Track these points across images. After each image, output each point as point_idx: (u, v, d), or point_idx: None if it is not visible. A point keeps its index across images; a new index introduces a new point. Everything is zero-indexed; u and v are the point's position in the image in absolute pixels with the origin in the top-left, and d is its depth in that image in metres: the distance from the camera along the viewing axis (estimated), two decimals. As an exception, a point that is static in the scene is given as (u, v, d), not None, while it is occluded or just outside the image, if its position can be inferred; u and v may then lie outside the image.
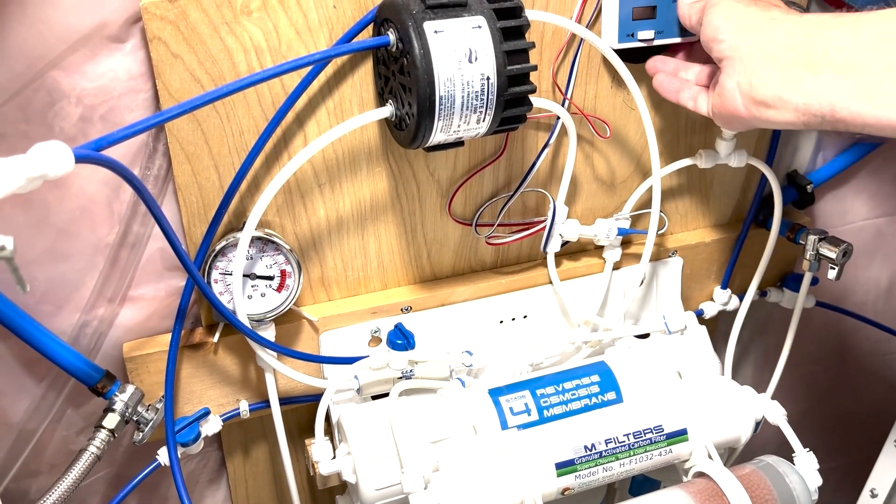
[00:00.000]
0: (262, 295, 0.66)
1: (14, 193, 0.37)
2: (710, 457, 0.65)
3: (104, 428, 0.64)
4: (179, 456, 0.67)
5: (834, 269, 0.80)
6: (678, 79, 0.67)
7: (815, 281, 0.86)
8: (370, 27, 0.60)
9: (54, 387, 0.68)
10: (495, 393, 0.68)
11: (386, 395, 0.71)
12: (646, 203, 0.80)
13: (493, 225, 0.75)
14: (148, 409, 0.67)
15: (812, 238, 0.81)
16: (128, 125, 0.45)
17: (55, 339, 0.63)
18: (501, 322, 0.79)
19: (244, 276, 0.65)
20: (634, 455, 0.63)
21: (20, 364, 0.66)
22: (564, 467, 0.61)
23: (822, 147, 0.89)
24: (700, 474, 0.65)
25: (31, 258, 0.62)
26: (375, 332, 0.74)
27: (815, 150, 0.89)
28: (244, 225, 0.63)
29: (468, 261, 0.78)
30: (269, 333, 0.68)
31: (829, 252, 0.80)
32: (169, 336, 0.68)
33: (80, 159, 0.41)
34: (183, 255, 0.57)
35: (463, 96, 0.54)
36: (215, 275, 0.64)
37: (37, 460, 0.71)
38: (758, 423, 0.69)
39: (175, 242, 0.56)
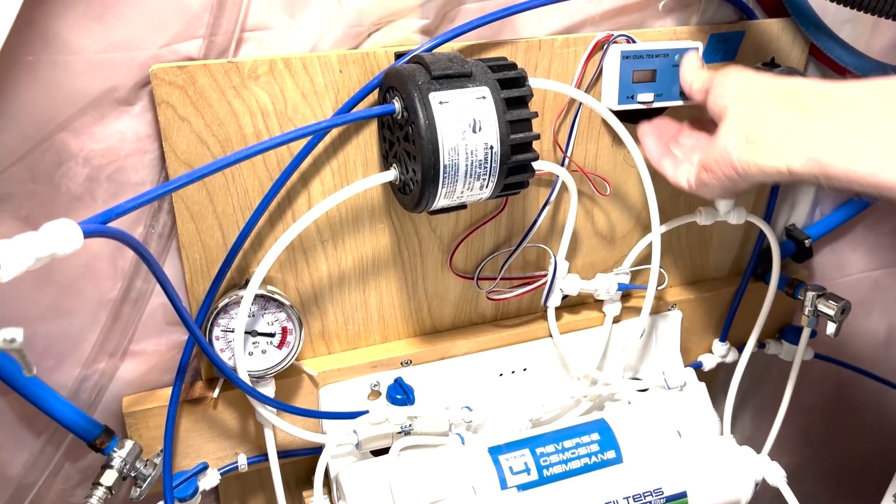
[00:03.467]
0: (263, 352, 0.66)
1: (23, 272, 0.38)
2: (709, 520, 0.65)
3: (102, 485, 0.64)
4: (177, 512, 0.67)
5: (833, 324, 0.80)
6: (664, 146, 0.68)
7: (813, 334, 0.86)
8: (375, 92, 0.61)
9: (53, 441, 0.68)
10: (495, 451, 0.68)
11: (385, 450, 0.70)
12: (646, 258, 0.80)
13: (494, 279, 0.75)
14: (146, 465, 0.67)
15: (811, 294, 0.82)
16: (135, 196, 0.46)
17: (55, 395, 0.63)
18: (501, 375, 0.79)
19: (245, 332, 0.65)
20: (634, 518, 0.63)
21: (19, 418, 0.66)
22: (564, 531, 0.61)
23: (820, 202, 0.90)
24: (700, 538, 0.65)
25: (34, 315, 0.62)
26: (375, 385, 0.74)
27: (812, 204, 0.90)
28: (247, 282, 0.63)
29: (468, 314, 0.78)
30: (268, 390, 0.68)
31: (828, 309, 0.80)
32: (169, 390, 0.68)
33: (88, 234, 0.41)
34: (185, 315, 0.58)
35: (467, 164, 0.55)
36: (217, 332, 0.65)
37: (33, 513, 0.70)
38: (757, 484, 0.69)
39: (177, 303, 0.56)
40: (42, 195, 0.58)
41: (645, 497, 0.63)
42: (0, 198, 0.57)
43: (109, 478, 0.64)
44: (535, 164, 0.59)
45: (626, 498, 0.63)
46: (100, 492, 0.63)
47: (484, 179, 0.56)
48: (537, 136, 0.57)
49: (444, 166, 0.54)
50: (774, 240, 0.80)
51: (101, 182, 0.60)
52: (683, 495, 0.65)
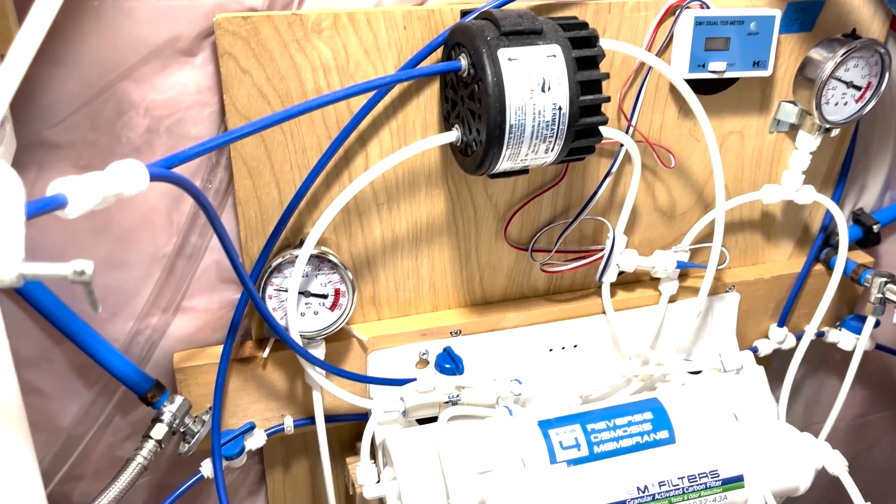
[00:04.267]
0: (315, 313, 0.66)
1: (90, 211, 0.37)
2: (766, 506, 0.62)
3: (152, 438, 0.64)
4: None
5: (900, 313, 0.77)
6: None
7: (876, 324, 0.83)
8: (439, 50, 0.60)
9: (104, 393, 0.68)
10: (545, 425, 0.67)
11: (430, 419, 0.69)
12: (705, 236, 0.78)
13: (549, 251, 0.73)
14: (195, 421, 0.67)
15: (879, 281, 0.78)
16: (200, 143, 0.45)
17: (109, 348, 0.63)
18: (551, 350, 0.77)
19: (298, 293, 0.64)
20: (688, 499, 0.61)
21: (72, 369, 0.67)
22: (616, 508, 0.59)
23: (891, 185, 0.86)
24: (755, 524, 0.62)
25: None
26: (424, 354, 0.73)
27: (883, 188, 0.86)
28: (301, 242, 0.62)
29: (520, 286, 0.76)
30: (319, 351, 0.67)
31: (896, 296, 0.77)
32: (219, 348, 0.68)
33: (154, 177, 0.41)
34: (241, 271, 0.57)
35: (533, 125, 0.53)
36: (270, 290, 0.64)
37: (82, 465, 0.71)
38: (816, 472, 0.66)
39: (234, 258, 0.55)
40: (102, 145, 0.58)
41: (700, 478, 0.62)
42: (61, 145, 0.57)
43: (159, 431, 0.64)
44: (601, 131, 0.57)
45: (681, 478, 0.61)
46: (150, 444, 0.64)
47: (550, 142, 0.54)
48: (607, 99, 0.55)
49: (511, 126, 0.52)
50: (843, 222, 0.77)
51: (160, 134, 0.59)
52: (740, 479, 0.63)
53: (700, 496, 0.61)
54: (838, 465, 0.67)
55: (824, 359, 0.97)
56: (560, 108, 0.53)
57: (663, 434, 0.68)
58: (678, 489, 0.61)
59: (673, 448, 0.66)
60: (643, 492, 0.60)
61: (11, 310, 0.62)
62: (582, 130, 0.55)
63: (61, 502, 0.72)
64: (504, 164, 0.55)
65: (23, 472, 0.47)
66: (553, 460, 0.65)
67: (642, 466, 0.62)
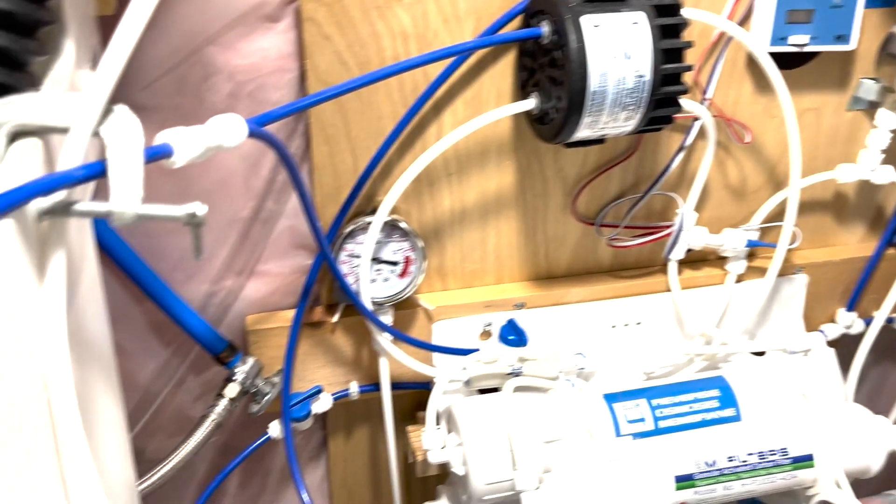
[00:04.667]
0: (385, 280, 0.67)
1: (192, 161, 0.38)
2: (838, 486, 0.62)
3: (225, 397, 0.66)
4: (291, 431, 0.68)
5: (977, 300, 0.75)
6: None
7: (951, 311, 0.81)
8: (517, 19, 0.60)
9: (179, 353, 0.70)
10: (610, 398, 0.67)
11: (490, 390, 0.70)
12: (776, 216, 0.76)
13: (616, 226, 0.73)
14: (265, 383, 0.69)
15: (956, 265, 0.76)
16: (291, 102, 0.46)
17: (187, 307, 0.65)
18: (614, 327, 0.77)
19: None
20: (757, 476, 0.61)
21: (150, 328, 0.69)
22: (684, 481, 0.59)
23: (971, 169, 0.83)
24: (825, 503, 0.62)
25: (170, 227, 0.64)
26: (488, 325, 0.74)
27: (962, 171, 0.83)
28: (374, 210, 0.63)
29: (585, 261, 0.76)
30: (386, 318, 0.68)
31: (975, 282, 0.75)
32: (290, 312, 0.69)
33: (251, 134, 0.42)
34: (319, 233, 0.58)
35: (615, 93, 0.53)
36: (343, 256, 0.65)
37: (155, 422, 0.73)
38: (890, 456, 0.65)
39: (314, 220, 0.57)
40: (187, 108, 0.60)
41: (769, 456, 0.61)
42: (148, 108, 0.59)
43: (233, 390, 0.66)
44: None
45: (750, 454, 0.61)
46: (224, 402, 0.66)
47: (631, 110, 0.54)
48: (690, 68, 0.55)
49: (593, 93, 0.52)
50: (921, 204, 0.75)
51: (241, 98, 0.60)
52: (810, 458, 0.62)
53: (769, 473, 0.61)
54: (912, 449, 0.65)
55: (889, 347, 0.95)
56: (642, 77, 0.53)
57: (730, 412, 0.67)
58: (747, 465, 0.60)
59: (740, 425, 0.65)
60: (711, 466, 0.60)
61: (96, 268, 0.64)
62: (662, 100, 0.55)
63: (136, 456, 0.75)
64: (582, 132, 0.55)
65: (113, 420, 0.49)
66: (618, 433, 0.65)
67: (711, 442, 0.61)
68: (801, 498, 0.65)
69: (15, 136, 0.32)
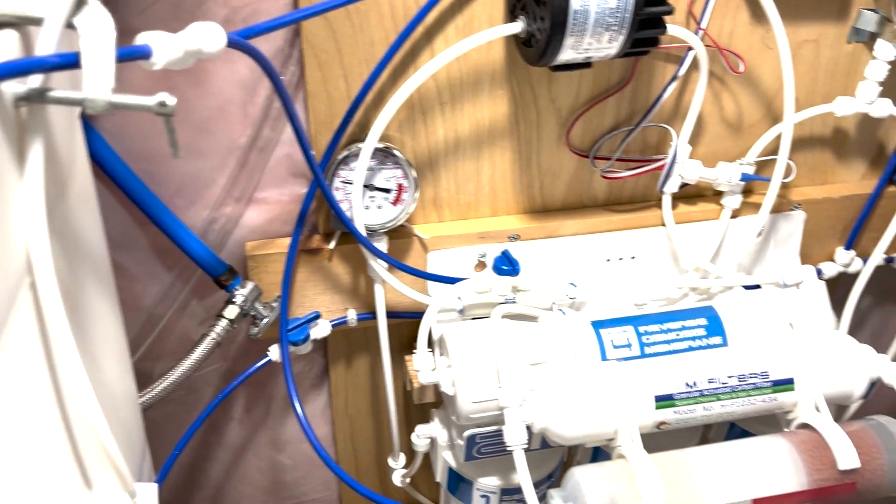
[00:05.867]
0: (379, 207, 0.68)
1: (172, 64, 0.40)
2: (817, 409, 0.63)
3: (225, 317, 0.69)
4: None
5: (976, 236, 0.75)
6: None
7: (951, 250, 0.80)
8: (507, -58, 0.60)
9: (182, 277, 0.73)
10: (597, 325, 0.68)
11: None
12: (773, 150, 0.76)
13: (610, 159, 0.74)
14: (265, 307, 0.71)
15: (955, 201, 0.76)
16: (275, 17, 0.47)
17: (188, 231, 0.68)
18: (608, 260, 0.78)
19: (363, 186, 0.67)
20: (736, 398, 0.62)
21: (154, 253, 0.71)
22: (664, 401, 0.61)
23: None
24: (804, 426, 0.63)
25: (166, 154, 0.66)
26: (482, 256, 0.75)
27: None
28: (367, 136, 0.65)
29: (580, 195, 0.77)
30: (381, 245, 0.70)
31: (973, 217, 0.74)
32: (288, 239, 0.71)
33: (230, 43, 0.43)
34: (311, 160, 0.60)
35: (597, 12, 0.53)
36: (336, 183, 0.67)
37: (160, 345, 0.76)
38: (873, 384, 0.66)
39: (305, 146, 0.58)
40: (182, 34, 0.61)
41: (749, 378, 0.62)
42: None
43: (232, 312, 0.69)
44: (669, 31, 0.57)
45: (731, 376, 0.62)
46: (223, 322, 0.68)
47: (614, 31, 0.54)
48: (674, -12, 0.55)
49: (574, 11, 0.52)
50: (921, 138, 0.75)
51: (236, 24, 0.62)
52: (790, 381, 0.63)
53: (749, 395, 0.62)
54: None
55: (891, 289, 0.95)
56: (625, -4, 0.53)
57: (716, 340, 0.68)
58: (727, 387, 0.62)
59: (724, 350, 0.67)
60: (691, 387, 0.61)
61: (100, 192, 0.66)
62: (646, 20, 0.55)
63: (143, 377, 0.78)
64: (566, 54, 0.56)
65: (110, 326, 0.51)
66: (604, 358, 0.66)
67: (692, 364, 0.63)
68: (782, 422, 0.66)
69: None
